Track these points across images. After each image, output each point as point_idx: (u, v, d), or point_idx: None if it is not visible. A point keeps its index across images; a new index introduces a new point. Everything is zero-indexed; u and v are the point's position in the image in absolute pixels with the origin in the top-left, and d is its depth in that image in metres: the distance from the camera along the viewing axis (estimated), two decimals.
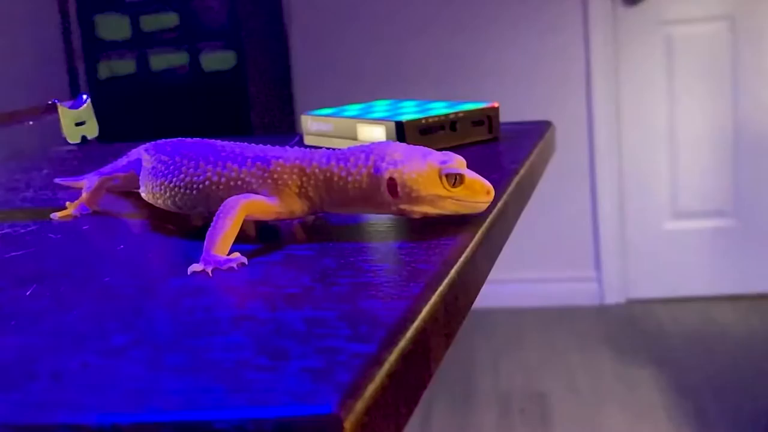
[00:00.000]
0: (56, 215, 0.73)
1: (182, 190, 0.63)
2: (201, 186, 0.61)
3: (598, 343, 2.71)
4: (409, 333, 0.40)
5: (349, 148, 0.59)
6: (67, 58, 2.92)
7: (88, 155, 1.13)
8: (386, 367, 0.37)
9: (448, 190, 0.56)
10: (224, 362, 0.38)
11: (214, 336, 0.42)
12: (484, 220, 0.59)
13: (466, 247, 0.53)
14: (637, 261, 3.05)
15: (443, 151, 0.59)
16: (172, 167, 0.64)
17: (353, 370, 0.36)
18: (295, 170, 0.59)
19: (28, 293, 0.52)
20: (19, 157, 1.18)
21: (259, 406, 0.34)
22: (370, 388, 0.35)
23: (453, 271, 0.49)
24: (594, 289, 3.06)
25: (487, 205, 0.58)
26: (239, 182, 0.60)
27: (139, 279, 0.54)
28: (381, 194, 0.56)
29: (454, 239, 0.55)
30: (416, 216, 0.57)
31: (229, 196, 0.59)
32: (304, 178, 0.58)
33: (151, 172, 0.66)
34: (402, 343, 0.39)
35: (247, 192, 0.59)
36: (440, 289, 0.46)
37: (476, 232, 0.56)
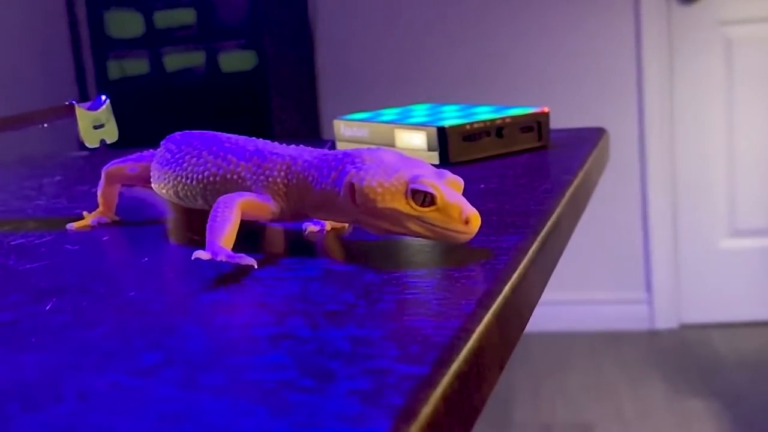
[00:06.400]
0: (72, 226, 0.74)
1: (183, 180, 0.66)
2: (200, 176, 0.65)
3: (648, 371, 2.69)
4: (463, 354, 0.41)
5: (340, 150, 0.60)
6: (75, 57, 2.95)
7: (102, 161, 1.14)
8: (440, 390, 0.37)
9: (413, 208, 0.54)
10: (265, 383, 0.38)
11: (253, 355, 0.42)
12: (538, 235, 0.59)
13: (520, 262, 0.54)
14: (690, 282, 3.03)
15: (441, 169, 0.56)
16: (177, 156, 0.68)
17: (405, 392, 0.36)
18: (284, 167, 0.61)
19: (47, 308, 0.53)
20: (30, 162, 1.20)
21: (305, 429, 0.34)
22: (425, 412, 0.35)
23: (507, 288, 0.49)
24: (644, 313, 3.05)
25: (468, 236, 0.54)
26: (235, 176, 0.63)
27: (167, 294, 0.55)
28: (344, 200, 0.57)
29: (506, 254, 0.55)
30: (375, 232, 0.57)
31: (225, 190, 0.62)
32: (290, 176, 0.60)
33: (159, 161, 0.70)
34: (456, 365, 0.39)
35: (241, 188, 0.62)
36: (494, 307, 0.46)
37: (530, 248, 0.57)
